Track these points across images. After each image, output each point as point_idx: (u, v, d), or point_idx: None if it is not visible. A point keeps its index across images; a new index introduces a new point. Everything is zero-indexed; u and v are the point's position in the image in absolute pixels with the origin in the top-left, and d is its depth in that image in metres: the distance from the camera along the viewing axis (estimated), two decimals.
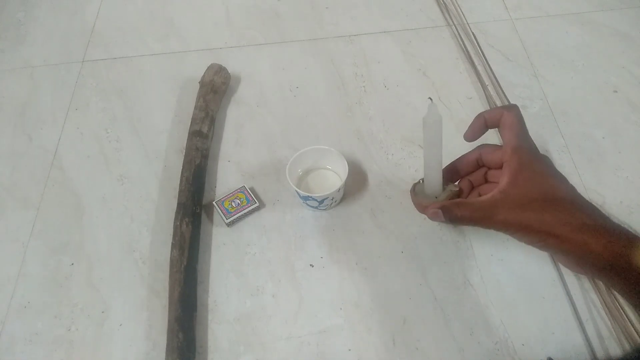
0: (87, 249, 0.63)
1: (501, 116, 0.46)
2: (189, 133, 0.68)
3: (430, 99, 0.47)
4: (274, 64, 0.80)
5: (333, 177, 0.65)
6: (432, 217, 0.47)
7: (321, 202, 0.61)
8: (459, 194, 0.51)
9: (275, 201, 0.66)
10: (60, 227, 0.65)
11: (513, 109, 0.46)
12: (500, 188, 0.43)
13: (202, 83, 0.72)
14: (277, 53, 0.81)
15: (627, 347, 0.53)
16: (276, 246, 0.62)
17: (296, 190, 0.60)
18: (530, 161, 0.43)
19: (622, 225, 0.41)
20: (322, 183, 0.65)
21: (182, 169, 0.65)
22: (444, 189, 0.50)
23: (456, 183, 0.53)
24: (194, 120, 0.69)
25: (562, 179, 0.44)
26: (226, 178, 0.68)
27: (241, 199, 0.64)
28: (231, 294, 0.59)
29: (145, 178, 0.68)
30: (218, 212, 0.63)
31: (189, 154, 0.66)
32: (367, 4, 0.87)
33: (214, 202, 0.64)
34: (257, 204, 0.64)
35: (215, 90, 0.72)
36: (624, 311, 0.55)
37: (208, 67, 0.74)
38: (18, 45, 0.85)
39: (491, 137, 0.70)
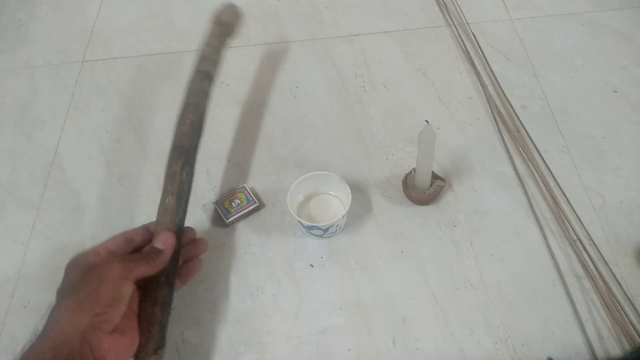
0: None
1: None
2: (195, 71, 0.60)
3: (427, 121, 0.54)
4: (274, 64, 0.80)
5: (335, 202, 0.63)
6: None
7: (326, 230, 0.59)
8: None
9: (275, 201, 0.66)
10: (60, 227, 0.65)
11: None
12: None
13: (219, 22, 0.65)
14: (277, 53, 0.81)
15: (627, 347, 0.53)
16: (276, 246, 0.62)
17: (299, 221, 0.59)
18: None
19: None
20: (325, 210, 0.63)
21: (183, 112, 0.58)
22: (432, 183, 0.62)
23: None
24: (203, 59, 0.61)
25: None
26: (226, 178, 0.68)
27: (241, 199, 0.64)
28: (231, 294, 0.59)
29: (145, 178, 0.68)
30: (218, 212, 0.63)
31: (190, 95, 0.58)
32: (367, 4, 0.87)
33: (213, 202, 0.64)
34: (257, 204, 0.64)
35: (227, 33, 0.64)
36: (624, 311, 0.55)
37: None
38: (18, 45, 0.85)
39: (487, 131, 0.70)
